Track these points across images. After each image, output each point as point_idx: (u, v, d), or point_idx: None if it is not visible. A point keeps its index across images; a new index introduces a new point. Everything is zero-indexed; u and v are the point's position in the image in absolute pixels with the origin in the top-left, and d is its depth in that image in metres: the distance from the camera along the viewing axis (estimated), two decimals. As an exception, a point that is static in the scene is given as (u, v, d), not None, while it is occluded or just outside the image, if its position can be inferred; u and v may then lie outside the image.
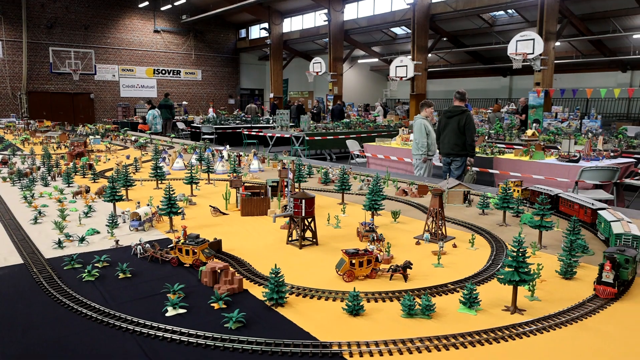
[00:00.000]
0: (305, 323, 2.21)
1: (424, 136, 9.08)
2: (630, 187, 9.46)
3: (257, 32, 32.62)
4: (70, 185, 5.73)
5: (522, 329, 2.15)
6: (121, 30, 29.30)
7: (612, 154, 9.68)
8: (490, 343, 2.04)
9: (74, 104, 28.03)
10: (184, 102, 28.41)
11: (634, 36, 21.57)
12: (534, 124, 15.52)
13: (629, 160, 9.57)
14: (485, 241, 3.53)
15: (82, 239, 3.44)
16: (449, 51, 28.11)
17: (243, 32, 34.16)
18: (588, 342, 2.08)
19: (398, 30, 28.28)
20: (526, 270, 2.34)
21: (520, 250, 2.35)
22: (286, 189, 4.51)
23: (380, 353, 1.95)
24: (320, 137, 16.83)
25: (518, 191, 4.72)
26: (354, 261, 2.72)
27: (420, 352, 1.97)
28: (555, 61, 17.78)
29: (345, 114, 22.78)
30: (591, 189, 8.44)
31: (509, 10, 22.92)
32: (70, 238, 3.49)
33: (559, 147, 10.48)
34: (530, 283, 2.42)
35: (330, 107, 24.08)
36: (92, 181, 6.01)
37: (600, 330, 2.18)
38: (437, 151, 9.30)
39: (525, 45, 15.78)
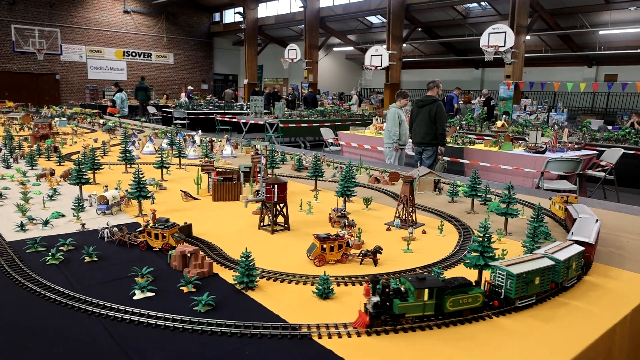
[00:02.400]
0: (276, 306, 2.22)
1: (396, 125, 9.16)
2: (592, 178, 9.84)
3: (231, 16, 32.03)
4: (34, 167, 5.54)
5: (486, 312, 2.22)
6: (89, 10, 28.25)
7: (576, 146, 10.01)
8: (455, 325, 2.11)
9: (39, 84, 26.97)
10: (190, 87, 27.31)
11: (600, 32, 22.24)
12: (504, 116, 15.88)
13: (591, 153, 9.93)
14: (454, 228, 3.61)
15: (46, 222, 3.35)
16: (423, 42, 28.33)
17: (217, 16, 33.48)
18: (544, 327, 2.16)
19: (374, 19, 28.28)
20: (491, 255, 2.40)
21: (486, 235, 2.42)
22: (259, 175, 4.48)
23: (349, 335, 1.98)
24: (294, 125, 16.76)
25: (562, 208, 3.88)
26: (325, 246, 2.74)
27: (387, 333, 2.01)
28: (526, 55, 18.17)
29: (319, 102, 22.74)
30: (556, 180, 8.72)
31: (482, 3, 23.25)
32: (34, 221, 3.39)
33: (526, 139, 10.77)
34: (495, 267, 2.50)
35: (304, 95, 23.99)
36: (58, 164, 5.82)
37: (553, 315, 2.27)
38: (410, 140, 9.41)
39: (497, 38, 16.06)
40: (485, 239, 2.38)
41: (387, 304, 2.01)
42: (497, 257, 2.45)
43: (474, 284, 2.25)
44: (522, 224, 3.64)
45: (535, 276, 2.26)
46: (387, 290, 2.01)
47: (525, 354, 1.91)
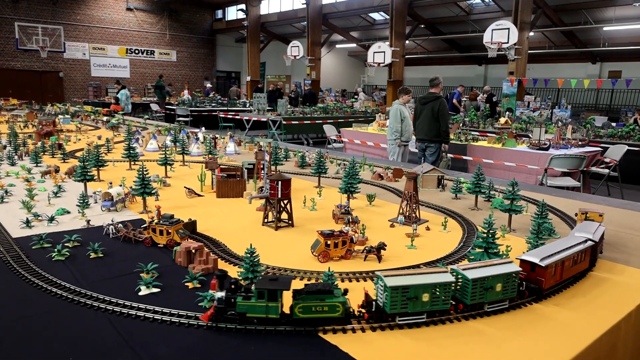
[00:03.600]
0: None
1: (398, 121, 9.14)
2: (596, 175, 9.81)
3: (233, 13, 31.95)
4: (39, 164, 5.56)
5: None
6: (92, 7, 28.25)
7: (580, 142, 9.98)
8: (460, 320, 2.11)
9: (42, 82, 27.00)
10: (209, 85, 27.11)
11: (604, 28, 22.12)
12: (507, 113, 15.84)
13: (595, 149, 9.90)
14: (458, 224, 3.61)
15: (51, 219, 3.36)
16: (426, 38, 28.23)
17: (219, 13, 33.41)
18: (549, 323, 2.17)
19: (376, 16, 28.19)
20: (495, 251, 2.41)
21: (490, 231, 2.42)
22: (262, 171, 4.49)
23: (353, 330, 1.99)
24: (297, 122, 16.75)
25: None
26: (329, 242, 2.75)
27: (392, 329, 2.02)
28: (529, 51, 18.10)
29: (320, 99, 22.73)
30: (559, 176, 8.70)
31: (486, -1, 23.14)
32: (39, 218, 3.40)
33: (530, 136, 10.74)
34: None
35: (304, 92, 23.98)
36: (62, 161, 5.84)
37: (558, 311, 2.27)
38: (413, 137, 9.40)
39: (501, 34, 15.98)
40: (490, 235, 2.38)
41: (232, 300, 1.97)
42: (501, 253, 2.46)
43: (341, 292, 2.02)
44: (526, 221, 3.63)
45: (422, 292, 2.01)
46: (232, 286, 1.98)
47: (528, 350, 1.91)
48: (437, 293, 2.05)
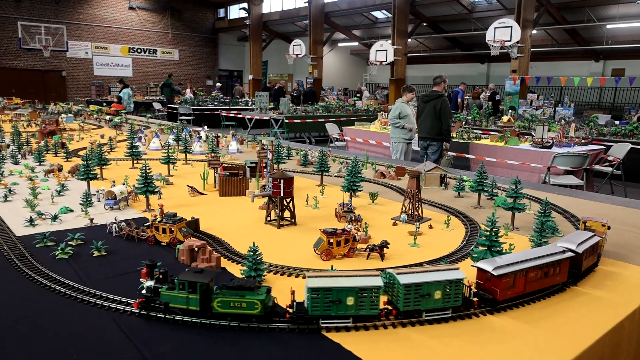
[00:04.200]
0: (283, 300, 2.22)
1: (395, 115, 9.16)
2: (599, 173, 9.78)
3: (236, 12, 31.96)
4: (42, 163, 5.57)
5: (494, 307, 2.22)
6: (94, 6, 28.30)
7: (583, 141, 9.94)
8: (463, 319, 2.11)
9: (45, 81, 27.07)
10: (218, 84, 27.04)
11: (607, 26, 22.03)
12: (510, 111, 15.79)
13: (598, 148, 9.87)
14: (460, 222, 3.60)
15: (54, 217, 3.37)
16: (428, 36, 28.16)
17: (222, 12, 33.42)
18: (552, 321, 2.16)
19: (378, 14, 28.14)
20: (498, 249, 2.41)
21: (493, 229, 2.42)
22: (265, 170, 4.49)
23: (356, 328, 1.99)
24: (299, 120, 16.75)
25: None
26: (331, 240, 2.75)
27: (395, 327, 2.02)
28: (532, 49, 18.03)
29: (321, 98, 22.73)
30: (562, 175, 8.68)
31: (489, -3, 23.07)
32: (43, 216, 3.41)
33: (533, 134, 10.72)
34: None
35: (304, 90, 23.97)
36: (65, 160, 5.86)
37: (562, 309, 2.27)
38: (416, 135, 9.39)
39: (503, 32, 15.93)
40: (493, 233, 2.38)
41: (159, 290, 2.03)
42: (504, 251, 2.46)
43: (266, 290, 2.01)
44: (529, 219, 3.63)
45: (346, 295, 1.94)
46: (160, 276, 2.05)
47: (531, 349, 1.91)
48: (364, 297, 1.95)
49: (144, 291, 2.08)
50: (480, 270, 2.20)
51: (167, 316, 2.03)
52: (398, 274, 2.05)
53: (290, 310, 1.98)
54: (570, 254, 2.40)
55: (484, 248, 2.41)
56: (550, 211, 3.07)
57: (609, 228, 3.00)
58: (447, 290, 2.04)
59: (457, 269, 2.11)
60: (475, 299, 2.14)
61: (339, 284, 1.94)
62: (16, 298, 2.24)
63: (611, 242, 3.16)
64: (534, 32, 19.14)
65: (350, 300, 1.94)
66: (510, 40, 15.78)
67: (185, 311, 2.00)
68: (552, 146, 9.09)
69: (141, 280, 2.16)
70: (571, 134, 10.24)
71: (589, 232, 2.72)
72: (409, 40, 23.83)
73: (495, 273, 2.12)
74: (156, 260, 2.22)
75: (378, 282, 1.98)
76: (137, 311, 2.05)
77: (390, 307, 2.06)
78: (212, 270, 2.12)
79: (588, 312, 2.21)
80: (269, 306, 1.98)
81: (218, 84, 26.55)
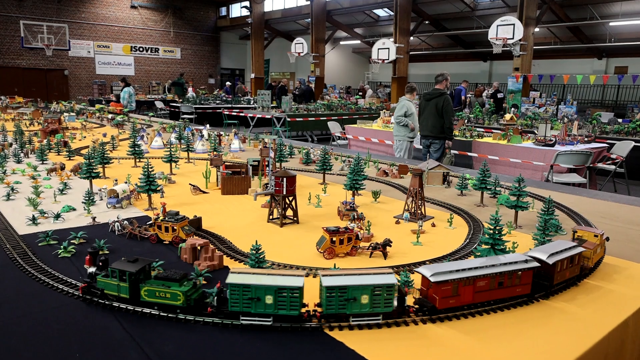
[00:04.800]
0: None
1: (400, 113, 9.15)
2: (603, 171, 9.74)
3: (237, 10, 31.96)
4: (44, 162, 5.58)
5: (497, 304, 2.21)
6: (96, 5, 28.33)
7: (586, 139, 9.92)
8: (467, 317, 2.10)
9: (47, 80, 27.13)
10: (228, 83, 26.86)
11: (610, 24, 21.94)
12: (512, 109, 15.76)
13: (601, 145, 9.84)
14: (463, 221, 3.59)
15: (57, 216, 3.37)
16: (430, 34, 28.11)
17: (223, 10, 33.42)
18: (557, 320, 2.15)
19: (380, 12, 28.09)
20: (502, 247, 2.40)
21: (497, 227, 2.41)
22: (267, 168, 4.49)
23: (360, 327, 1.98)
24: (301, 119, 16.74)
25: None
26: (334, 239, 2.74)
27: (398, 325, 2.01)
28: (534, 47, 17.97)
29: (322, 96, 22.69)
30: (565, 173, 8.65)
31: (491, -5, 23.00)
32: (45, 215, 3.42)
33: (535, 132, 10.69)
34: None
35: (301, 87, 23.93)
36: (67, 158, 5.87)
37: (566, 307, 2.26)
38: (418, 133, 9.39)
39: (506, 30, 15.88)
40: (496, 232, 2.37)
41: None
42: (507, 249, 2.45)
43: (192, 283, 2.06)
44: (532, 217, 3.61)
45: (264, 293, 1.92)
46: (101, 264, 2.18)
47: (536, 346, 1.90)
48: (284, 297, 1.91)
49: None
50: (423, 276, 2.09)
51: (164, 313, 2.03)
52: (323, 275, 1.99)
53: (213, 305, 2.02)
54: (535, 264, 2.22)
55: (487, 246, 2.40)
56: (554, 209, 3.06)
57: (607, 239, 2.80)
58: (376, 295, 1.95)
59: (391, 273, 2.01)
60: (416, 306, 2.07)
61: (259, 281, 1.93)
62: (19, 296, 2.24)
63: (615, 240, 3.15)
64: (537, 29, 19.08)
65: (269, 299, 1.92)
66: (512, 38, 15.73)
67: (117, 298, 2.10)
68: (554, 144, 9.06)
69: (85, 266, 2.33)
70: (574, 132, 10.21)
71: (571, 243, 2.48)
72: (411, 38, 23.79)
73: (432, 280, 2.02)
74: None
75: (299, 282, 1.93)
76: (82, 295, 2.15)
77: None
78: (145, 260, 2.19)
79: (592, 310, 2.20)
80: (192, 299, 2.03)
81: (227, 83, 26.41)
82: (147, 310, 2.06)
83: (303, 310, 1.97)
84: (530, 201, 3.79)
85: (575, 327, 2.05)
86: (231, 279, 1.94)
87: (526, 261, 2.21)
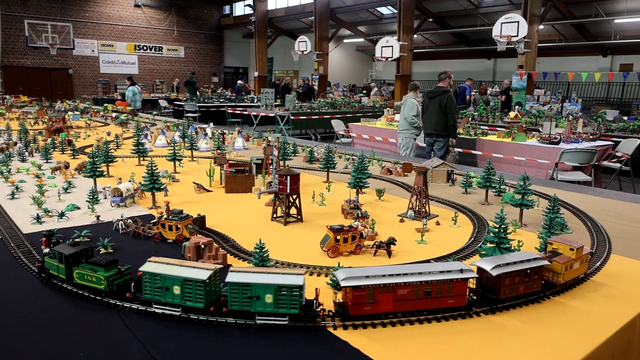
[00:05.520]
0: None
1: (415, 112, 9.11)
2: (608, 169, 9.68)
3: (241, 8, 31.96)
4: (49, 161, 5.60)
5: (503, 305, 2.19)
6: (100, 4, 28.39)
7: (591, 136, 9.85)
8: (471, 317, 2.08)
9: (52, 79, 27.23)
10: (239, 82, 26.73)
11: (615, 21, 21.80)
12: (517, 107, 15.68)
13: (607, 143, 9.76)
14: (468, 219, 3.57)
15: (61, 215, 3.38)
16: (434, 32, 28.03)
17: (227, 9, 33.43)
18: (563, 319, 2.14)
19: (384, 10, 28.02)
20: (507, 246, 2.38)
21: (502, 226, 2.39)
22: (271, 166, 4.48)
23: (364, 326, 1.97)
24: (305, 117, 16.73)
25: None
26: (338, 237, 2.73)
27: (402, 324, 2.00)
28: (539, 44, 17.87)
29: (326, 94, 22.68)
30: (570, 171, 8.60)
31: (495, -8, 22.88)
32: (49, 213, 3.42)
33: (540, 130, 10.63)
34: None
35: (301, 85, 23.93)
36: (72, 157, 5.88)
37: (572, 306, 2.24)
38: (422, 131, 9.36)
39: (510, 27, 15.81)
40: (502, 230, 2.35)
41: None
42: (512, 248, 2.43)
43: (118, 269, 2.16)
44: (537, 215, 3.59)
45: (172, 284, 1.99)
46: (52, 245, 2.42)
47: (541, 347, 1.88)
48: (189, 289, 1.96)
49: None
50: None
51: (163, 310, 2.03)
52: (231, 271, 2.00)
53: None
54: (471, 274, 2.05)
55: (492, 245, 2.38)
56: (559, 207, 3.04)
57: (592, 254, 2.54)
58: (281, 295, 1.91)
59: (301, 274, 1.97)
60: (327, 310, 2.00)
61: (168, 272, 2.01)
62: (23, 295, 2.24)
63: (620, 238, 3.13)
64: (541, 27, 18.98)
65: (176, 290, 1.98)
66: (517, 36, 15.66)
67: (57, 278, 2.27)
68: (559, 142, 9.01)
69: (42, 247, 2.59)
70: (579, 129, 10.15)
71: (533, 254, 2.27)
72: (415, 36, 23.73)
73: (342, 284, 1.95)
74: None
75: (203, 275, 1.96)
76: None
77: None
78: (86, 243, 2.41)
79: (600, 310, 2.18)
80: (115, 284, 2.14)
81: (239, 82, 26.17)
82: (150, 309, 2.06)
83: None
84: (535, 199, 3.77)
85: (580, 328, 2.03)
86: (146, 267, 2.06)
87: (461, 271, 2.05)
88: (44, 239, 2.59)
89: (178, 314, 2.00)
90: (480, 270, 2.16)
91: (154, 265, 2.05)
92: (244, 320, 1.96)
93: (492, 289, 2.14)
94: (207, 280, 1.96)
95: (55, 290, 2.27)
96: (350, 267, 2.26)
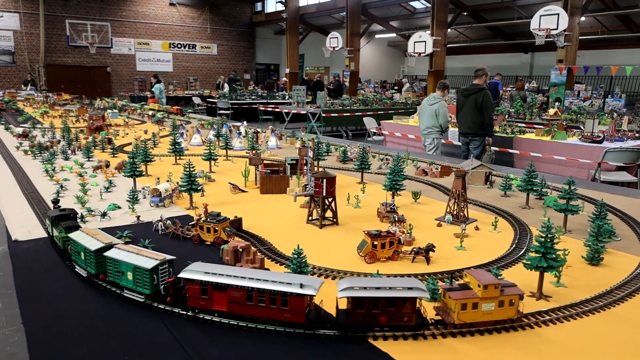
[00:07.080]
0: (329, 304, 2.20)
1: (448, 117, 8.99)
2: (655, 169, 9.22)
3: (273, 5, 32.08)
4: (90, 159, 5.77)
5: (549, 316, 2.11)
6: (137, 3, 29.08)
7: (636, 134, 9.40)
8: (516, 330, 2.02)
9: (91, 77, 28.11)
10: (284, 79, 26.79)
11: (664, 11, 20.70)
12: (556, 103, 15.15)
13: (654, 142, 9.30)
14: (508, 224, 3.47)
15: (103, 214, 3.47)
16: (469, 26, 27.34)
17: (259, 6, 33.62)
18: (615, 330, 2.04)
19: (417, 4, 27.55)
20: (554, 256, 2.29)
21: (549, 236, 2.30)
22: (306, 168, 4.47)
23: (405, 337, 1.94)
24: (336, 114, 16.68)
25: None
26: (376, 243, 2.70)
27: (444, 337, 1.95)
28: (580, 37, 17.17)
29: (357, 91, 22.52)
30: (614, 171, 8.25)
31: (534, -16, 22.12)
32: (92, 213, 3.52)
33: (581, 127, 10.22)
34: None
35: (331, 82, 23.81)
36: (112, 155, 6.04)
37: (628, 318, 2.13)
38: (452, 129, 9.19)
39: (549, 20, 15.24)
40: (548, 240, 2.26)
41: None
42: (559, 258, 2.33)
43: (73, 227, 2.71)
44: (582, 221, 3.45)
45: (126, 269, 2.24)
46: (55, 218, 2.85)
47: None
48: (139, 275, 2.17)
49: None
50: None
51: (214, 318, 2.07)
52: (115, 247, 2.35)
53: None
54: (311, 292, 1.90)
55: (538, 255, 2.29)
56: (607, 213, 2.91)
57: (521, 298, 2.01)
58: (137, 274, 2.17)
59: (157, 260, 2.17)
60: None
61: (124, 258, 2.23)
62: (68, 296, 2.31)
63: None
64: (583, 18, 18.22)
65: (129, 275, 2.20)
66: (556, 29, 15.09)
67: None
68: (603, 140, 8.64)
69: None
70: (624, 127, 9.70)
71: (416, 283, 1.98)
72: (449, 30, 23.23)
73: (181, 275, 2.10)
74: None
75: (149, 264, 2.14)
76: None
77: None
78: (70, 210, 2.94)
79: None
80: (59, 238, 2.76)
81: (284, 79, 26.26)
82: (190, 313, 2.09)
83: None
84: (580, 204, 3.62)
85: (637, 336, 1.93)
86: (110, 253, 2.32)
87: (301, 286, 1.91)
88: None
89: (142, 300, 2.19)
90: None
91: (116, 252, 2.30)
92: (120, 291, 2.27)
93: (347, 313, 1.98)
94: (152, 269, 2.14)
95: (97, 292, 2.33)
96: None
